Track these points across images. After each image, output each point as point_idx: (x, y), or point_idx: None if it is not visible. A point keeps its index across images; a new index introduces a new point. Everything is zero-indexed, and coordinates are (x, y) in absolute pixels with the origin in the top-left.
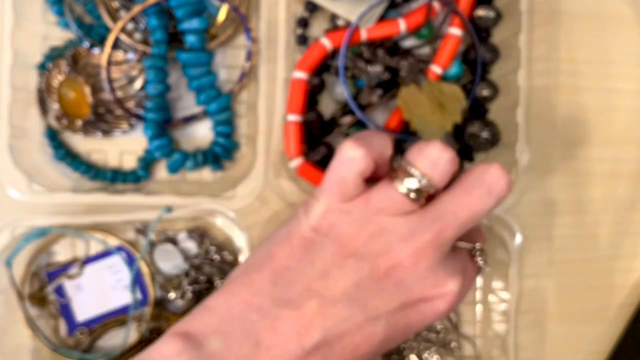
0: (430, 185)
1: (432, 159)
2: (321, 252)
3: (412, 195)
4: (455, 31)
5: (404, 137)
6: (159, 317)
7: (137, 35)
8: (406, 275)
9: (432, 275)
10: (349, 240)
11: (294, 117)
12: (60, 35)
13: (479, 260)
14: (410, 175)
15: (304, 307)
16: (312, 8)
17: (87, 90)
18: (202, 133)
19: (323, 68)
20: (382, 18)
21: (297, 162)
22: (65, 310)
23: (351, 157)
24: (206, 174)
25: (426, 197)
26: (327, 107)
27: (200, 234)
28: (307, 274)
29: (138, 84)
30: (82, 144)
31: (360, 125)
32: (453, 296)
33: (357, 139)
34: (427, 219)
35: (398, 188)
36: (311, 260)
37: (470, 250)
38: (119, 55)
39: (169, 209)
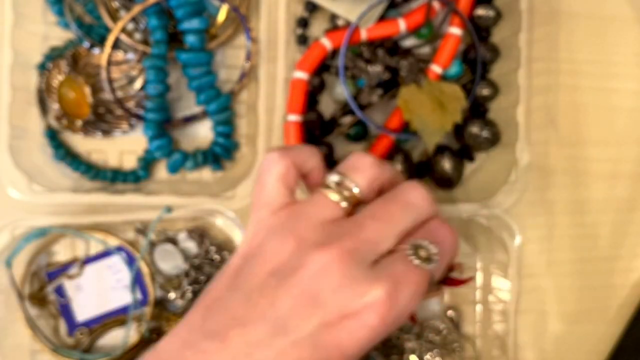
0: (352, 185)
1: (352, 162)
2: (248, 276)
3: (336, 197)
4: (455, 31)
5: (404, 137)
6: (159, 317)
7: (137, 35)
8: (320, 286)
9: (350, 285)
10: (272, 258)
11: (294, 117)
12: (60, 35)
13: (414, 260)
14: (331, 175)
15: (228, 338)
16: (312, 8)
17: (87, 90)
18: (202, 133)
19: (323, 68)
20: (382, 18)
21: None
22: (65, 310)
23: (268, 161)
24: (206, 174)
25: (353, 203)
26: (327, 107)
27: (200, 234)
28: (232, 302)
29: (138, 84)
30: (82, 144)
31: (360, 125)
32: (382, 306)
33: (275, 148)
34: (345, 226)
35: (321, 191)
36: (237, 287)
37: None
38: (119, 55)
39: (169, 209)
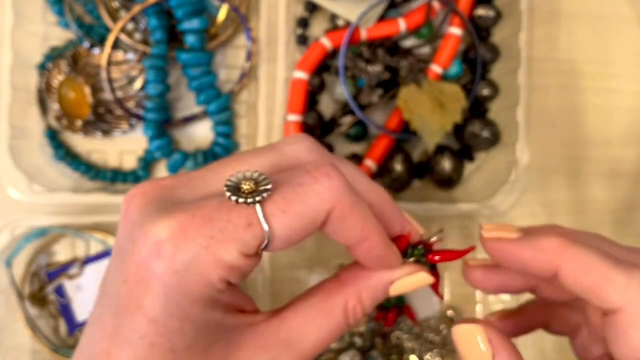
0: None
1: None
2: None
3: None
4: (455, 31)
5: (404, 136)
6: None
7: (137, 35)
8: (122, 232)
9: (142, 223)
10: None
11: (294, 117)
12: (60, 35)
13: (227, 193)
14: None
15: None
16: (312, 8)
17: (87, 90)
18: (202, 133)
19: (323, 68)
20: (382, 18)
21: None
22: (65, 310)
23: None
24: None
25: None
26: (327, 107)
27: None
28: None
29: (138, 84)
30: (82, 144)
31: (360, 125)
32: (162, 246)
33: None
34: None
35: None
36: None
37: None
38: (119, 55)
39: None
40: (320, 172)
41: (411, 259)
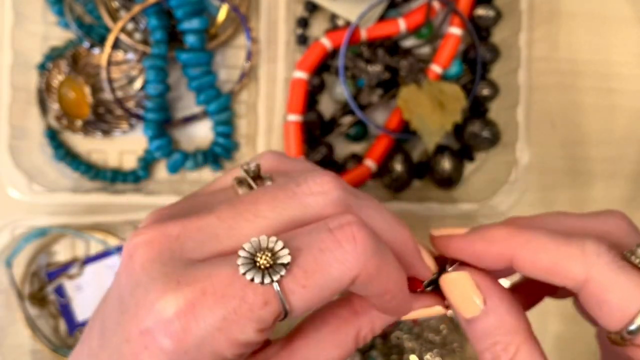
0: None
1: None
2: None
3: (237, 177)
4: (455, 31)
5: (404, 137)
6: None
7: (137, 35)
8: (123, 284)
9: (146, 285)
10: None
11: (294, 117)
12: (60, 35)
13: (241, 268)
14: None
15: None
16: (312, 8)
17: (87, 90)
18: (202, 133)
19: (323, 68)
20: (382, 18)
21: None
22: (65, 310)
23: None
24: (206, 174)
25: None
26: (327, 107)
27: None
28: None
29: (138, 84)
30: (82, 144)
31: (360, 125)
32: (171, 325)
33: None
34: (197, 210)
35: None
36: None
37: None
38: (119, 55)
39: None
40: (345, 235)
41: (428, 289)
